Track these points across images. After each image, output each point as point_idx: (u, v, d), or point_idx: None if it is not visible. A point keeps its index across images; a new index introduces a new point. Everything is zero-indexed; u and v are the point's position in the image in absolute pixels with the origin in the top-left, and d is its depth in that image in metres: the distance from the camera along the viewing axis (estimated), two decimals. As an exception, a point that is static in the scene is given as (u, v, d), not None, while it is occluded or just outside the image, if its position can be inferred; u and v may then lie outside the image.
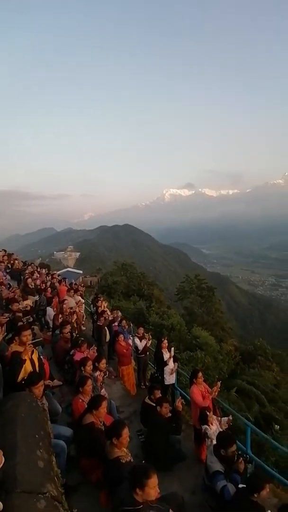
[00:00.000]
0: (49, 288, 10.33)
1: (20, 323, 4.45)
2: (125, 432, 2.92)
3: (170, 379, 6.12)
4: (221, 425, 3.99)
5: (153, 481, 2.31)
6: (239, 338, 36.07)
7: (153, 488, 2.31)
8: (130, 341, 7.68)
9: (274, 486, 4.29)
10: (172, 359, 6.15)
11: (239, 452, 3.69)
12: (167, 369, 6.06)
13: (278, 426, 10.98)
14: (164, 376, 6.05)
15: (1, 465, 1.86)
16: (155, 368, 6.63)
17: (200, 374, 4.84)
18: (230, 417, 4.19)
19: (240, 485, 3.07)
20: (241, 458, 3.46)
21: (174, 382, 6.15)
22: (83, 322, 8.84)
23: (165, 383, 6.02)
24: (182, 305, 34.64)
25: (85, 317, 8.45)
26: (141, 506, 2.27)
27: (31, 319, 5.50)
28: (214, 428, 3.83)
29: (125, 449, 3.02)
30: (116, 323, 8.75)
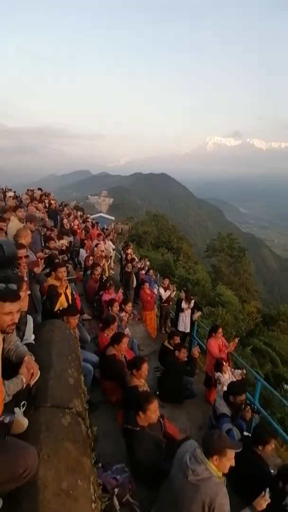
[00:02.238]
0: (82, 231, 10.71)
1: (56, 260, 4.76)
2: (145, 366, 3.26)
3: (183, 326, 6.47)
4: (235, 376, 4.25)
5: (154, 406, 2.67)
6: (264, 301, 36.03)
7: (153, 413, 2.67)
8: (155, 290, 8.02)
9: (277, 444, 4.54)
10: (190, 310, 6.39)
11: (247, 402, 3.97)
12: (182, 315, 6.43)
13: (287, 386, 11.50)
14: (179, 321, 6.46)
15: (37, 378, 2.04)
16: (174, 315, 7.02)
17: (220, 329, 5.03)
18: (244, 371, 4.43)
19: (245, 433, 3.29)
20: (248, 407, 3.73)
21: (188, 330, 6.50)
22: (112, 267, 9.26)
23: (179, 329, 6.40)
24: (210, 263, 34.54)
25: (113, 261, 8.78)
26: (139, 428, 2.66)
27: (66, 258, 5.84)
28: (226, 376, 4.11)
29: (143, 380, 3.38)
30: (143, 272, 9.07)
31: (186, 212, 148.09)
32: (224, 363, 4.39)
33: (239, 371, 4.36)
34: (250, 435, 3.12)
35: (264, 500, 2.17)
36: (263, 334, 16.64)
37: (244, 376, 4.37)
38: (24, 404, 1.91)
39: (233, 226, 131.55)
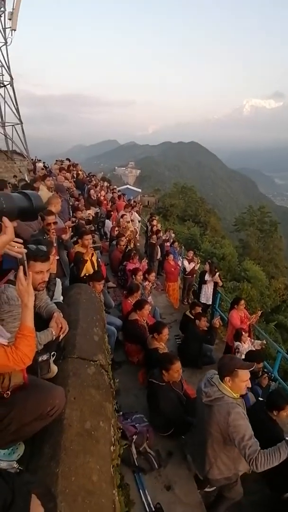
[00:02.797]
0: (109, 202, 10.79)
1: (83, 229, 4.94)
2: (165, 331, 3.42)
3: (205, 298, 6.53)
4: (254, 346, 4.32)
5: (176, 366, 2.84)
6: (293, 278, 34.58)
7: (176, 372, 2.86)
8: (179, 262, 8.06)
9: None
10: (213, 282, 6.39)
11: (265, 370, 4.05)
12: (204, 287, 6.46)
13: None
14: (201, 293, 6.54)
15: (66, 333, 2.28)
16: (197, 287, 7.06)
17: (242, 301, 5.04)
18: (264, 341, 4.47)
19: (260, 398, 3.38)
20: (266, 375, 3.81)
21: (210, 302, 6.55)
22: (137, 237, 9.34)
23: (201, 301, 6.47)
24: (238, 237, 33.41)
25: (138, 233, 8.90)
26: (164, 384, 2.86)
27: (92, 228, 6.01)
28: (246, 346, 4.19)
29: (163, 344, 3.57)
30: (168, 244, 9.08)
31: (216, 184, 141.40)
32: (244, 333, 4.46)
33: (259, 341, 4.41)
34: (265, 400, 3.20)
35: None
36: (290, 311, 16.33)
37: (263, 347, 4.42)
38: (53, 354, 2.14)
39: (267, 198, 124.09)
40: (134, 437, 2.69)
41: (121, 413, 2.91)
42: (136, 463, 2.56)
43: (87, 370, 2.24)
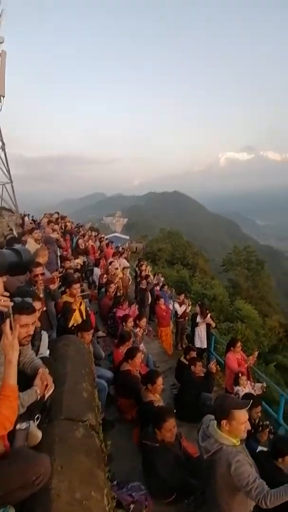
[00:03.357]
0: (98, 250, 10.99)
1: (71, 278, 4.94)
2: (160, 380, 3.24)
3: (199, 341, 6.29)
4: (254, 390, 4.10)
5: (168, 424, 2.60)
6: (286, 315, 34.43)
7: (169, 431, 2.60)
8: (171, 306, 7.99)
9: None
10: (205, 324, 6.26)
11: (266, 423, 3.71)
12: (197, 330, 6.29)
13: None
14: (195, 337, 6.32)
15: (51, 391, 2.10)
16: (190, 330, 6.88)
17: (238, 343, 4.92)
18: (264, 384, 4.26)
19: (260, 448, 3.11)
20: (267, 429, 3.50)
21: (204, 346, 6.30)
22: (128, 284, 9.33)
23: (195, 345, 6.25)
24: (227, 277, 33.87)
25: (131, 280, 8.87)
26: (159, 444, 2.61)
27: (80, 276, 6.03)
28: (246, 390, 3.97)
29: (158, 395, 3.35)
30: (158, 288, 9.10)
31: (201, 227, 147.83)
32: (243, 376, 4.27)
33: (259, 384, 4.20)
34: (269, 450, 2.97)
35: None
36: (288, 350, 15.88)
37: (264, 390, 4.20)
38: (38, 417, 1.98)
39: (250, 238, 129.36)
40: (132, 506, 2.44)
41: (115, 482, 2.60)
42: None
43: (75, 433, 2.05)
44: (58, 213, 13.88)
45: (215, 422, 2.04)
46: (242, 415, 1.94)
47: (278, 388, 5.12)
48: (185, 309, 7.46)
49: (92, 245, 10.77)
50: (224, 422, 1.94)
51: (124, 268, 9.31)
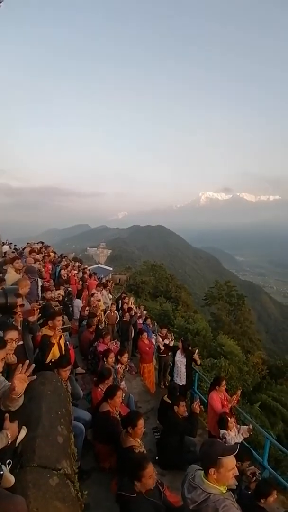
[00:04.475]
0: (80, 281, 10.79)
1: (51, 310, 4.75)
2: (141, 422, 3.02)
3: (178, 378, 6.04)
4: (242, 433, 3.90)
5: (148, 471, 2.42)
6: (268, 351, 34.33)
7: (149, 478, 2.42)
8: (154, 340, 7.76)
9: (285, 499, 4.16)
10: (185, 359, 6.05)
11: (257, 473, 3.57)
12: (176, 366, 6.09)
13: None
14: (174, 373, 6.09)
15: (23, 436, 2.00)
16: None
17: (223, 382, 4.74)
18: (250, 426, 4.07)
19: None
20: (255, 478, 3.40)
21: (183, 383, 5.96)
22: (115, 322, 9.05)
23: (175, 381, 5.99)
24: (210, 311, 33.94)
25: (118, 318, 8.50)
26: (135, 495, 2.39)
27: (60, 307, 5.82)
28: (232, 434, 3.77)
29: (139, 440, 3.11)
30: (141, 321, 8.90)
31: (183, 261, 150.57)
32: (231, 419, 4.07)
33: (245, 427, 4.00)
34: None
35: None
36: (272, 389, 15.51)
37: (251, 433, 4.01)
38: (9, 462, 1.79)
39: (231, 273, 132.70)
40: None
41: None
42: None
43: (49, 481, 1.87)
44: (42, 242, 13.76)
45: (202, 472, 1.93)
46: (230, 462, 1.84)
47: (263, 431, 4.92)
48: (168, 343, 7.26)
49: (74, 275, 10.57)
50: (212, 470, 1.82)
51: (112, 304, 9.08)
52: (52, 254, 12.70)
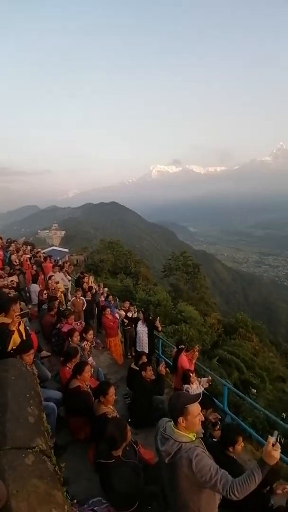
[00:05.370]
0: (33, 266, 10.27)
1: (6, 298, 4.49)
2: (111, 390, 3.16)
3: (140, 346, 6.33)
4: (202, 384, 4.34)
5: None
6: (222, 312, 37.68)
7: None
8: (117, 315, 7.92)
9: (253, 448, 4.57)
10: (146, 328, 6.33)
11: (216, 416, 3.97)
12: (138, 335, 6.40)
13: (255, 390, 11.92)
14: (136, 342, 6.39)
15: None
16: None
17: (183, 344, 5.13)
18: (209, 377, 4.54)
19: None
20: (218, 426, 3.72)
21: (146, 350, 6.20)
22: (69, 299, 8.85)
23: (137, 349, 6.29)
24: (169, 282, 35.44)
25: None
26: (113, 460, 2.56)
27: (16, 293, 5.54)
28: (194, 387, 4.17)
29: (111, 407, 3.26)
30: (102, 298, 8.95)
31: (140, 236, 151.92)
32: (192, 374, 4.48)
33: (205, 378, 4.46)
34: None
35: (272, 448, 1.74)
36: (227, 344, 17.28)
37: (210, 383, 4.48)
38: None
39: (186, 245, 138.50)
40: None
41: (75, 501, 2.42)
42: None
43: (25, 460, 1.87)
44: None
45: (171, 422, 2.07)
46: (195, 408, 2.00)
47: (221, 379, 5.52)
48: (131, 316, 7.49)
49: (26, 259, 10.00)
50: (180, 419, 1.97)
51: (76, 290, 8.57)
52: (-1, 239, 11.74)
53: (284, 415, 8.55)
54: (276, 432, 1.79)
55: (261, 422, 7.47)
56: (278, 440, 1.74)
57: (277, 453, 1.74)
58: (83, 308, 7.75)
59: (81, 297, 7.86)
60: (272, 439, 1.74)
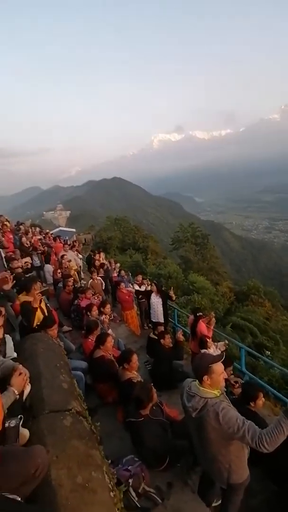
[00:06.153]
0: (44, 246, 10.41)
1: (27, 275, 4.63)
2: (134, 357, 3.33)
3: (156, 317, 6.54)
4: (219, 348, 4.51)
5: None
6: (234, 281, 37.85)
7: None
8: (131, 289, 8.09)
9: (271, 404, 4.74)
10: (161, 300, 6.50)
11: (237, 379, 4.15)
12: (152, 307, 6.60)
13: (269, 352, 12.29)
14: (151, 313, 6.60)
15: (28, 391, 2.07)
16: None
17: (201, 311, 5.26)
18: (226, 341, 4.70)
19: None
20: (238, 384, 3.91)
21: (162, 321, 6.43)
22: (83, 277, 9.03)
23: (153, 320, 6.49)
24: (178, 254, 35.44)
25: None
26: (142, 418, 2.74)
27: (33, 273, 5.69)
28: (211, 351, 4.33)
29: (135, 372, 3.45)
30: (115, 274, 9.11)
31: (146, 210, 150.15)
32: (209, 339, 4.63)
33: (222, 342, 4.62)
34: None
35: None
36: (239, 310, 17.58)
37: (227, 347, 4.64)
38: (21, 417, 1.88)
39: (193, 216, 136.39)
40: (130, 480, 2.50)
41: (109, 461, 2.65)
42: (138, 505, 2.35)
43: (63, 422, 2.02)
44: (-8, 212, 12.61)
45: (196, 381, 2.18)
46: (219, 367, 2.11)
47: (237, 342, 5.70)
48: (145, 289, 7.63)
49: (37, 241, 10.13)
50: (205, 377, 2.08)
51: (92, 272, 8.46)
52: (7, 223, 11.82)
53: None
54: None
55: (277, 380, 7.79)
56: None
57: None
58: (103, 288, 7.91)
59: (98, 277, 7.94)
60: None
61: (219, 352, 4.56)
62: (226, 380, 3.78)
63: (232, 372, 4.28)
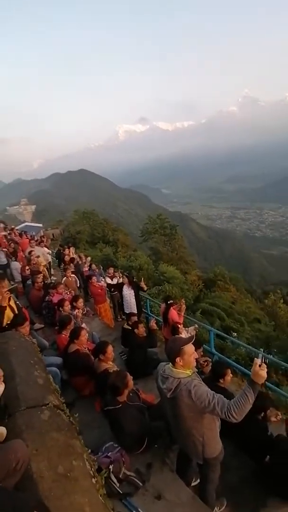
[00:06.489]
0: (10, 243, 9.94)
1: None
2: (110, 348, 3.41)
3: (128, 308, 6.68)
4: (189, 332, 4.75)
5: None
6: (201, 269, 39.24)
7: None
8: (103, 282, 8.09)
9: (239, 380, 5.07)
10: (132, 291, 6.66)
11: (206, 358, 4.43)
12: (124, 298, 6.77)
13: (236, 333, 13.11)
14: (124, 305, 6.76)
15: (2, 390, 2.02)
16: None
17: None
18: (196, 326, 4.97)
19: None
20: (207, 362, 4.18)
21: (135, 311, 6.50)
22: (52, 273, 8.82)
23: (126, 312, 6.64)
24: (148, 246, 35.77)
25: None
26: (120, 405, 2.83)
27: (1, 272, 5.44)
28: (183, 335, 4.55)
29: (111, 363, 3.53)
30: (86, 268, 9.02)
31: (114, 203, 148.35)
32: (180, 326, 4.86)
33: (192, 327, 4.88)
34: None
35: (259, 368, 1.90)
36: (208, 297, 18.40)
37: (197, 331, 4.91)
38: None
39: (160, 207, 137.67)
40: (111, 467, 2.56)
41: (89, 450, 2.72)
42: (120, 491, 2.44)
43: (41, 417, 2.04)
44: None
45: (169, 364, 2.30)
46: (190, 348, 2.24)
47: (206, 326, 6.03)
48: (117, 281, 7.69)
49: (2, 237, 9.63)
50: (178, 359, 2.20)
51: (67, 268, 8.20)
52: None
53: (262, 349, 9.62)
54: (260, 354, 2.03)
55: (243, 358, 8.40)
56: (263, 361, 1.91)
57: (263, 372, 1.89)
58: (77, 286, 7.78)
59: (72, 275, 7.79)
60: (258, 360, 1.91)
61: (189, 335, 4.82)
62: (197, 360, 4.04)
63: (202, 354, 4.56)
